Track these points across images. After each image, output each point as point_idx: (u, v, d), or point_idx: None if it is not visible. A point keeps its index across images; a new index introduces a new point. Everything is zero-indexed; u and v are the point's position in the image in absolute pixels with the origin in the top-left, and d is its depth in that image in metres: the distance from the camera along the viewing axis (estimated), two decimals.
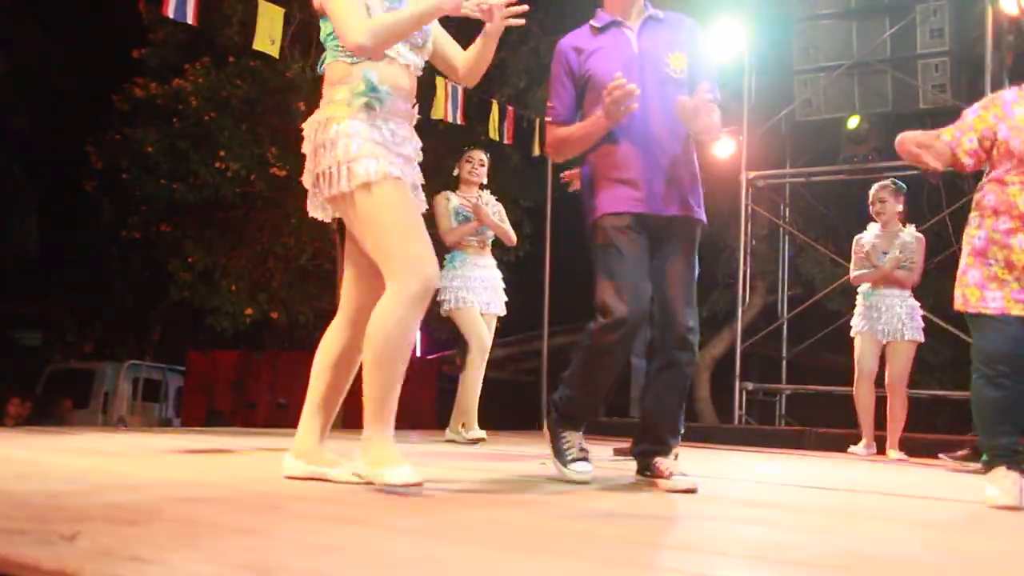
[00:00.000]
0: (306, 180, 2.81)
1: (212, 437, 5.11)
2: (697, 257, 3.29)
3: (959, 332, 9.07)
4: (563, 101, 3.31)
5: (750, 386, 9.89)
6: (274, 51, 6.61)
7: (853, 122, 9.44)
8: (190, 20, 6.18)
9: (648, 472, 3.16)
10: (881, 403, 6.05)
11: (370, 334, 2.56)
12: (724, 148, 9.59)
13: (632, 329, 3.07)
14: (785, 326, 10.40)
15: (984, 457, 3.24)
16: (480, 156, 5.76)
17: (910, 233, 6.10)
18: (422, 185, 2.88)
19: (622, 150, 3.20)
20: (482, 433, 5.54)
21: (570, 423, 3.24)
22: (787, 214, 10.86)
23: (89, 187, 12.33)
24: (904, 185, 6.22)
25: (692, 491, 2.98)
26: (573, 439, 3.21)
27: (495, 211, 5.78)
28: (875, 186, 6.23)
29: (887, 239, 6.02)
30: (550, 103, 3.34)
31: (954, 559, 2.03)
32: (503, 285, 5.87)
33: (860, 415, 6.06)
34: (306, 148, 2.78)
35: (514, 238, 5.91)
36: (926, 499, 3.44)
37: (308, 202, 2.86)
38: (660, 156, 3.19)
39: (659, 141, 3.20)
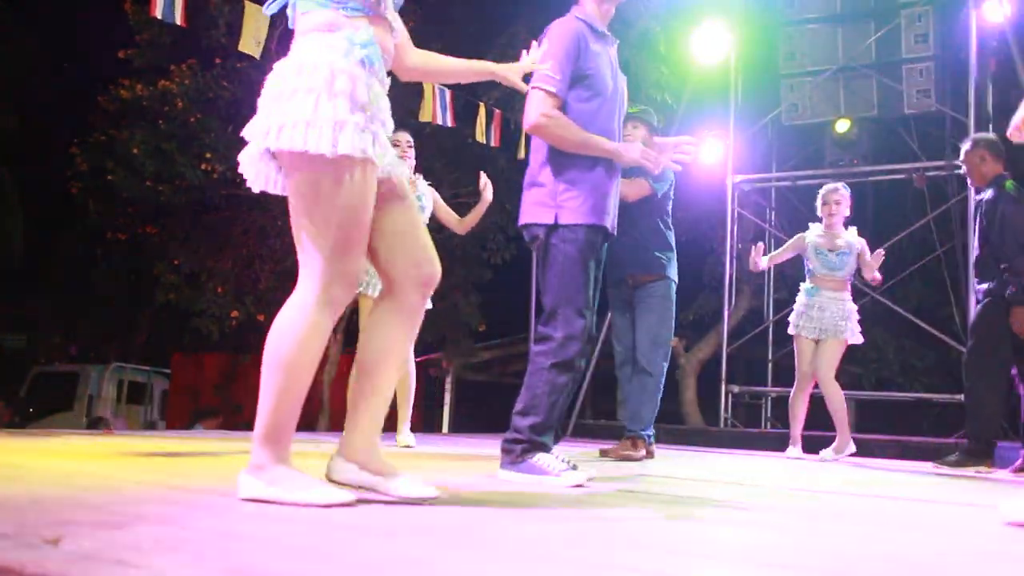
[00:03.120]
0: (256, 128, 2.31)
1: (197, 440, 5.09)
2: None
3: (944, 336, 9.15)
4: (565, 79, 3.29)
5: (736, 389, 9.92)
6: (257, 52, 6.60)
7: (843, 125, 9.51)
8: (178, 21, 6.15)
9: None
10: (821, 402, 6.09)
11: (270, 344, 2.26)
12: (711, 152, 9.63)
13: (587, 344, 3.23)
14: (771, 329, 10.45)
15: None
16: (407, 138, 5.48)
17: (854, 235, 6.12)
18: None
19: (604, 164, 3.32)
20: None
21: (540, 448, 3.20)
22: (773, 218, 10.90)
23: (74, 189, 12.27)
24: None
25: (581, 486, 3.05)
26: (546, 458, 3.18)
27: (421, 195, 5.49)
28: (828, 188, 6.26)
29: (829, 239, 6.08)
30: (557, 75, 3.27)
31: (939, 560, 2.04)
32: None
33: (793, 420, 6.09)
34: (270, 91, 2.29)
35: (461, 225, 5.65)
36: (911, 501, 3.45)
37: (248, 167, 2.39)
38: (618, 176, 3.48)
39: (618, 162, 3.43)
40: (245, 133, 2.35)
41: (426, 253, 2.49)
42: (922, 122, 10.05)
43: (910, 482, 4.48)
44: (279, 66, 2.32)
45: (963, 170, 5.57)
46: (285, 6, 2.45)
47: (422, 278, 2.47)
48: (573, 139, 3.25)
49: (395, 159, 2.47)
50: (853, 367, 11.63)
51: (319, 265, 2.27)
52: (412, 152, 5.43)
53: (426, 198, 5.53)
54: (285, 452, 2.25)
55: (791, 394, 6.14)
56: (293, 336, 2.23)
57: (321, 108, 2.21)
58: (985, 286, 5.23)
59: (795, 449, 6.12)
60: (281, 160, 2.33)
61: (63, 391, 15.43)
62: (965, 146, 5.51)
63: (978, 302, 5.36)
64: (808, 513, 2.93)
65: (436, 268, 2.50)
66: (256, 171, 2.40)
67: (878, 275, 6.00)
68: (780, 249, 6.38)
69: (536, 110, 3.26)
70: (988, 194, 5.25)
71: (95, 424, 13.41)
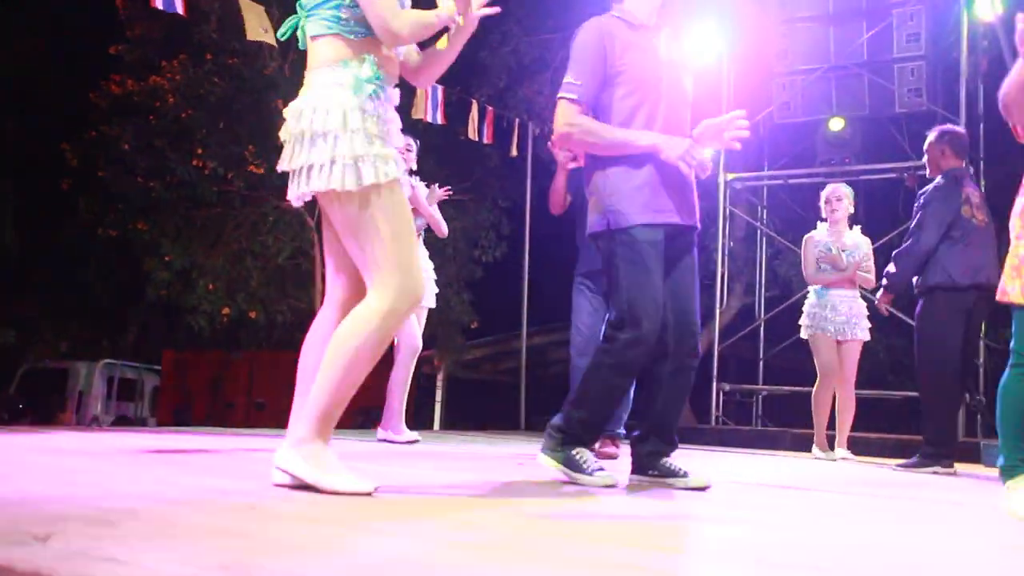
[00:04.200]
0: (288, 165, 2.56)
1: (188, 437, 5.07)
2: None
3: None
4: (593, 82, 3.19)
5: (727, 387, 9.94)
6: (270, 39, 6.55)
7: (837, 124, 9.53)
8: (179, 10, 6.11)
9: (654, 471, 3.20)
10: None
11: (340, 338, 2.46)
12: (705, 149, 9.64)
13: (651, 346, 3.09)
14: (762, 327, 10.47)
15: (1002, 462, 3.06)
16: (407, 141, 5.50)
17: (860, 235, 6.16)
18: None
19: (654, 159, 3.15)
20: (414, 435, 5.43)
21: (580, 443, 3.18)
22: (764, 216, 10.92)
23: (65, 185, 12.22)
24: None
25: (706, 488, 3.05)
26: (585, 454, 3.16)
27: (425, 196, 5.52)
28: (831, 186, 6.27)
29: (836, 238, 6.08)
30: (577, 80, 3.18)
31: (930, 558, 2.04)
32: (434, 276, 5.58)
33: (820, 416, 6.03)
34: (293, 131, 2.53)
35: (445, 230, 5.63)
36: (900, 500, 3.46)
37: (290, 190, 2.61)
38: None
39: None
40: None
41: None
42: (913, 121, 10.07)
43: (901, 480, 4.49)
44: (295, 106, 2.55)
45: (924, 159, 5.55)
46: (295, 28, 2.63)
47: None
48: (605, 141, 3.17)
49: (404, 174, 2.63)
50: None
51: (386, 279, 2.45)
52: (411, 155, 5.45)
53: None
54: (327, 433, 2.49)
55: (814, 393, 6.01)
56: (362, 337, 2.44)
57: (340, 147, 2.44)
58: (917, 281, 5.23)
59: (828, 451, 6.00)
60: (319, 199, 2.55)
61: (53, 388, 15.38)
62: (931, 136, 5.50)
63: (918, 295, 5.32)
64: (799, 511, 2.94)
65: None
66: (292, 192, 2.61)
67: (867, 280, 6.04)
68: (804, 262, 6.22)
69: (560, 120, 3.21)
70: (934, 184, 5.25)
71: (92, 423, 13.39)
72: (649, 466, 3.23)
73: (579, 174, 4.86)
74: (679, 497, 2.94)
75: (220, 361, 15.66)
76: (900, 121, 10.15)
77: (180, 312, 12.58)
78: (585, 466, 3.10)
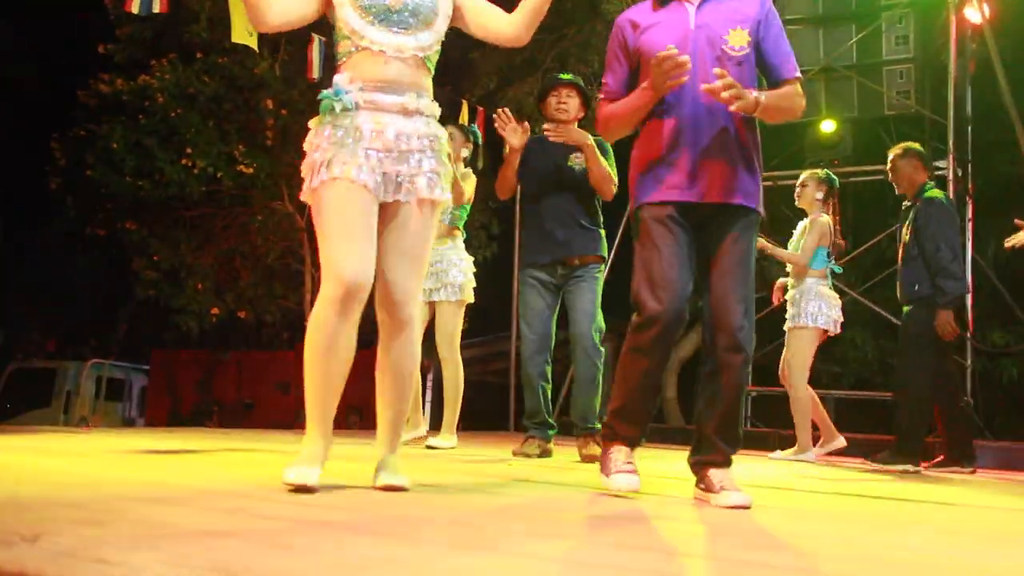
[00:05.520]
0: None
1: (176, 437, 5.06)
2: (754, 251, 3.00)
3: (984, 346, 9.19)
4: (617, 77, 3.10)
5: None
6: (253, 42, 6.54)
7: (829, 126, 9.55)
8: (157, 9, 6.08)
9: (700, 485, 2.91)
10: (786, 400, 6.06)
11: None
12: None
13: (668, 328, 2.87)
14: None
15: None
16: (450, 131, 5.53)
17: (809, 220, 6.01)
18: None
19: (668, 131, 2.96)
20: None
21: (617, 438, 2.98)
22: None
23: (53, 184, 12.16)
24: (834, 177, 6.22)
25: (745, 507, 2.73)
26: (620, 454, 2.94)
27: None
28: (805, 171, 6.25)
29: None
30: (605, 79, 3.15)
31: (916, 558, 2.05)
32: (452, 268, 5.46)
33: (820, 415, 6.01)
34: None
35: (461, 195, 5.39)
36: (888, 500, 3.48)
37: None
38: (710, 139, 2.93)
39: (711, 122, 2.94)
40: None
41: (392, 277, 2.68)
42: (902, 123, 10.12)
43: (889, 480, 4.51)
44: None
45: (890, 176, 5.62)
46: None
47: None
48: (618, 119, 3.09)
49: (393, 163, 2.65)
50: (833, 367, 11.70)
51: (322, 265, 2.57)
52: (452, 144, 5.41)
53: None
54: (317, 431, 2.60)
55: (812, 395, 5.95)
56: (308, 337, 2.58)
57: (304, 163, 2.66)
58: (916, 289, 5.32)
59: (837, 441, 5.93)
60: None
61: (41, 388, 15.31)
62: (896, 151, 5.56)
63: (909, 303, 5.41)
64: (788, 512, 2.95)
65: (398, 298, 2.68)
66: None
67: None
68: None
69: (596, 122, 3.20)
70: (918, 201, 5.36)
71: (80, 423, 13.33)
72: (697, 478, 2.94)
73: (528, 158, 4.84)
74: (667, 500, 2.93)
75: (209, 361, 15.61)
76: (889, 123, 10.19)
77: (169, 312, 12.53)
78: (611, 466, 2.91)
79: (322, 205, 2.57)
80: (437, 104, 2.78)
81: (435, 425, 5.77)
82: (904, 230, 5.49)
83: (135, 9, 6.04)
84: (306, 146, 2.67)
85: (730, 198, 2.91)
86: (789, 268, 6.08)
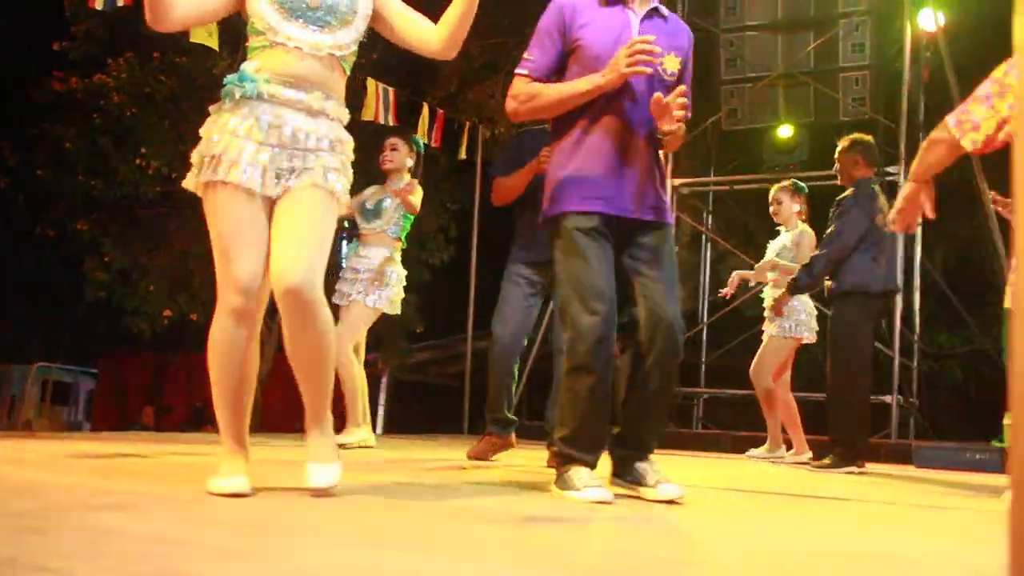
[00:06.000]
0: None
1: (122, 442, 4.95)
2: (675, 260, 3.11)
3: (881, 347, 9.33)
4: (546, 56, 3.00)
5: None
6: (213, 43, 6.44)
7: (786, 131, 9.67)
8: (121, 2, 5.97)
9: (629, 477, 2.99)
10: (756, 403, 6.12)
11: None
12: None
13: (607, 338, 2.87)
14: (704, 332, 10.58)
15: None
16: (391, 141, 5.50)
17: (788, 235, 6.09)
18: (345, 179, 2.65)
19: (596, 140, 2.97)
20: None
21: (574, 460, 2.90)
22: (710, 221, 11.04)
23: (2, 183, 11.91)
24: (804, 186, 6.29)
25: (677, 502, 2.81)
26: (582, 472, 2.88)
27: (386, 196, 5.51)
28: (774, 187, 6.32)
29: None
30: (530, 55, 3.03)
31: (865, 560, 2.06)
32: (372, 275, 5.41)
33: (793, 420, 6.05)
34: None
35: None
36: (843, 500, 3.50)
37: None
38: (635, 154, 2.97)
39: (636, 139, 2.98)
40: None
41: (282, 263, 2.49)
42: (857, 129, 10.20)
43: (843, 480, 4.55)
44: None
45: (835, 168, 5.65)
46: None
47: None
48: (550, 101, 2.98)
49: (290, 159, 2.56)
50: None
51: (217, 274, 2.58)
52: (396, 155, 5.45)
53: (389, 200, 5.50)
54: (232, 442, 2.57)
55: (790, 402, 6.01)
56: (210, 339, 2.59)
57: (200, 147, 2.58)
58: (835, 286, 5.34)
59: (807, 455, 5.91)
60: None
61: None
62: (843, 143, 5.60)
63: (829, 298, 5.43)
64: (740, 513, 2.95)
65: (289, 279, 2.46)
66: None
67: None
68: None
69: (508, 97, 3.06)
70: (850, 192, 5.39)
71: (24, 428, 13.05)
72: (623, 471, 3.03)
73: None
74: (620, 503, 2.91)
75: (159, 364, 15.37)
76: (844, 129, 10.33)
77: (120, 314, 12.31)
78: (575, 484, 2.84)
79: (211, 212, 2.54)
80: (346, 110, 2.70)
81: (390, 430, 5.73)
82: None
83: (98, 5, 5.92)
84: (202, 131, 2.59)
85: (652, 215, 3.01)
86: (772, 277, 6.09)
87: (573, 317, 2.87)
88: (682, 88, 2.89)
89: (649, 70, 2.85)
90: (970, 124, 2.94)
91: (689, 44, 3.16)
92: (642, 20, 3.04)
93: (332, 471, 2.51)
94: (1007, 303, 3.49)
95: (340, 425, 5.39)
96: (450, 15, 2.72)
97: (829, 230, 5.38)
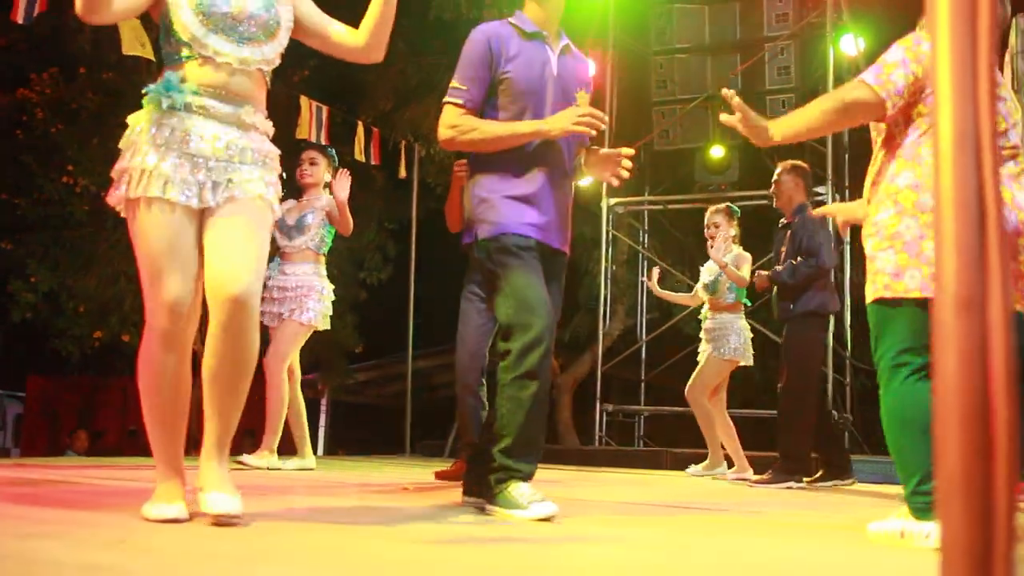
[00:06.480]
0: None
1: (52, 468, 4.83)
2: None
3: (861, 364, 9.53)
4: (481, 88, 3.07)
5: (610, 408, 10.11)
6: (148, 53, 6.31)
7: (718, 152, 9.85)
8: (37, 10, 5.81)
9: (485, 493, 2.99)
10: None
11: None
12: (586, 176, 9.82)
13: (550, 346, 2.90)
14: (644, 349, 10.70)
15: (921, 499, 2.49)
16: (310, 155, 5.52)
17: (727, 258, 6.07)
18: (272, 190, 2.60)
19: (530, 171, 3.07)
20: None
21: (513, 477, 2.89)
22: (646, 240, 11.18)
23: None
24: (737, 210, 6.40)
25: (549, 519, 2.79)
26: (524, 488, 2.87)
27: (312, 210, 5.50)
28: (709, 210, 6.38)
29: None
30: (462, 85, 3.07)
31: (815, 571, 2.11)
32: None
33: (731, 437, 6.12)
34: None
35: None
36: (784, 513, 3.57)
37: None
38: (557, 188, 3.12)
39: (559, 172, 3.13)
40: None
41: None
42: (784, 151, 10.50)
43: (777, 497, 4.63)
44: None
45: (772, 189, 5.75)
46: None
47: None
48: (488, 136, 3.04)
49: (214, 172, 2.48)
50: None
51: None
52: (316, 169, 5.43)
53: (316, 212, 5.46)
54: (167, 468, 2.50)
55: (727, 421, 6.08)
56: (140, 363, 2.52)
57: (123, 161, 2.50)
58: (792, 308, 5.48)
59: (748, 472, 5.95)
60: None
61: None
62: (784, 165, 5.71)
63: (786, 321, 5.57)
64: (681, 528, 3.00)
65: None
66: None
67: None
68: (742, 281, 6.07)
69: (443, 124, 3.09)
70: (795, 220, 5.52)
71: None
72: (477, 488, 3.05)
73: None
74: (560, 520, 2.94)
75: (91, 387, 14.99)
76: (773, 151, 10.56)
77: (47, 336, 11.98)
78: (519, 501, 2.83)
79: (138, 231, 2.45)
80: (271, 123, 2.66)
81: (332, 450, 5.67)
82: (781, 251, 5.63)
83: (20, 19, 5.78)
84: (122, 144, 2.50)
85: (563, 245, 3.16)
86: (706, 299, 6.17)
87: (525, 326, 2.89)
88: (631, 151, 3.17)
89: (594, 132, 3.03)
90: (893, 87, 2.68)
91: (590, 78, 3.35)
92: (558, 56, 3.19)
93: (236, 500, 2.37)
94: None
95: (286, 449, 5.33)
96: (370, 16, 2.70)
97: (783, 250, 5.50)
